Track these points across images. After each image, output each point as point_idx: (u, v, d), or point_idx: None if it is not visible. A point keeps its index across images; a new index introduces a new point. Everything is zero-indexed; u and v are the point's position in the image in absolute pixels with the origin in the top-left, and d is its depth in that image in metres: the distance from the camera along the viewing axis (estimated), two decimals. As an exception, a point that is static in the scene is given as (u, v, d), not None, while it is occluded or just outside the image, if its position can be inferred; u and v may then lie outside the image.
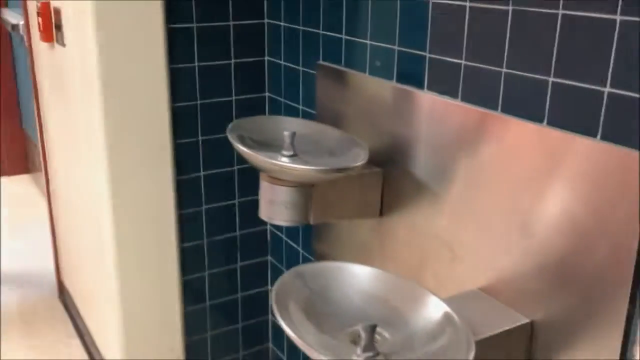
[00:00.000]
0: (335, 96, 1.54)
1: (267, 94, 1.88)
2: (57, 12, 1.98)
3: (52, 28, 2.06)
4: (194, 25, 1.74)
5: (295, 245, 1.90)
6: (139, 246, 1.82)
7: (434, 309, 1.02)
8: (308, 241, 1.81)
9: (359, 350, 0.90)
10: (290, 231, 1.91)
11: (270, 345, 2.16)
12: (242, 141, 1.30)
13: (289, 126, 1.35)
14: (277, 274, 2.02)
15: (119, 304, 1.85)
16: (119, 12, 1.63)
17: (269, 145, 1.35)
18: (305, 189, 1.34)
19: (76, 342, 2.48)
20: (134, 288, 1.86)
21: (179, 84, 1.76)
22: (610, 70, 0.88)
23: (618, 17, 0.86)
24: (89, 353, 2.38)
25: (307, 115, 1.69)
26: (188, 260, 1.92)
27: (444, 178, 1.22)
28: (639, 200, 0.86)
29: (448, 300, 1.04)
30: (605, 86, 0.89)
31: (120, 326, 1.88)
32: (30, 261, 3.06)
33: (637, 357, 0.40)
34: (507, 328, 1.06)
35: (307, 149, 1.34)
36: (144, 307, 1.90)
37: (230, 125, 1.34)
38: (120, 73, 1.67)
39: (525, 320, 1.08)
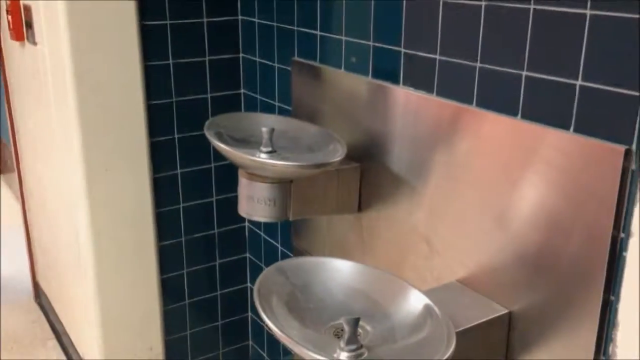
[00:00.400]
0: (311, 92, 1.54)
1: (242, 90, 1.88)
2: (28, 9, 1.95)
3: (23, 26, 2.04)
4: (168, 22, 1.73)
5: (273, 242, 1.90)
6: (116, 245, 1.81)
7: (414, 302, 1.03)
8: (286, 237, 1.81)
9: (342, 344, 0.91)
10: (269, 228, 1.91)
11: (250, 342, 2.16)
12: (221, 138, 1.30)
13: (266, 122, 1.35)
14: (256, 271, 2.02)
15: (97, 304, 1.84)
16: (91, 10, 1.62)
17: (247, 142, 1.36)
18: (284, 185, 1.34)
19: (53, 343, 2.46)
20: (112, 287, 1.85)
21: (154, 82, 1.76)
22: (582, 63, 0.90)
23: (588, 12, 0.88)
24: (67, 354, 2.36)
25: (283, 112, 1.69)
26: (166, 259, 1.92)
27: (421, 172, 1.24)
28: (615, 191, 0.88)
29: (428, 293, 1.06)
30: (577, 79, 0.91)
31: (99, 326, 1.87)
32: (4, 263, 3.01)
33: (617, 340, 0.42)
34: (487, 319, 1.08)
35: (285, 145, 1.35)
36: (122, 306, 1.89)
37: (207, 123, 1.34)
38: (94, 71, 1.66)
39: (504, 311, 1.09)
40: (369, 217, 1.42)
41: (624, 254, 0.43)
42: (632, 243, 0.44)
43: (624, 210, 0.86)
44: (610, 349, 0.44)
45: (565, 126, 0.94)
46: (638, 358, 0.41)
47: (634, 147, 0.85)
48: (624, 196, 0.87)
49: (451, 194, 1.18)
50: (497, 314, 1.09)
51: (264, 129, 1.29)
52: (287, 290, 1.07)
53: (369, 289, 1.08)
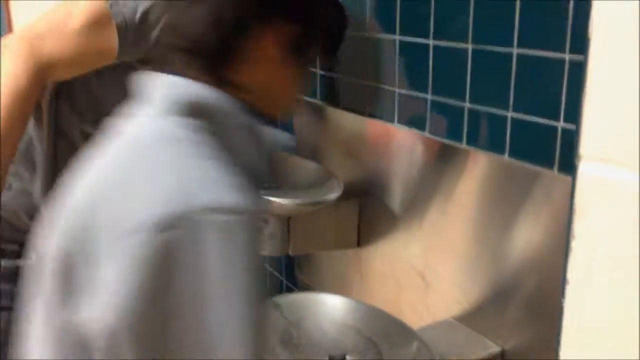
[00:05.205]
0: (312, 130, 1.57)
1: (248, 127, 1.91)
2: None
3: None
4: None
5: (278, 275, 1.92)
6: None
7: (406, 339, 1.04)
8: (291, 272, 1.83)
9: (329, 380, 0.93)
10: (274, 262, 1.93)
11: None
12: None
13: (266, 160, 1.38)
14: (262, 304, 2.03)
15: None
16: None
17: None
18: (284, 221, 1.37)
19: None
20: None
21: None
22: (563, 105, 0.92)
23: (567, 56, 0.90)
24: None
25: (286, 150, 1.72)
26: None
27: (417, 208, 1.26)
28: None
29: (421, 330, 1.07)
30: (559, 121, 0.93)
31: None
32: None
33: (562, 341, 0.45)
34: (479, 357, 1.09)
35: (284, 182, 1.38)
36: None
37: (208, 161, 1.37)
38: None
39: (497, 349, 1.10)
40: (367, 253, 1.43)
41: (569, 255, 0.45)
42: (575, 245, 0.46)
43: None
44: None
45: (549, 165, 0.96)
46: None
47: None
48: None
49: (446, 230, 1.19)
50: (490, 352, 1.10)
51: (262, 167, 1.32)
52: (281, 326, 1.09)
53: (361, 325, 1.09)
